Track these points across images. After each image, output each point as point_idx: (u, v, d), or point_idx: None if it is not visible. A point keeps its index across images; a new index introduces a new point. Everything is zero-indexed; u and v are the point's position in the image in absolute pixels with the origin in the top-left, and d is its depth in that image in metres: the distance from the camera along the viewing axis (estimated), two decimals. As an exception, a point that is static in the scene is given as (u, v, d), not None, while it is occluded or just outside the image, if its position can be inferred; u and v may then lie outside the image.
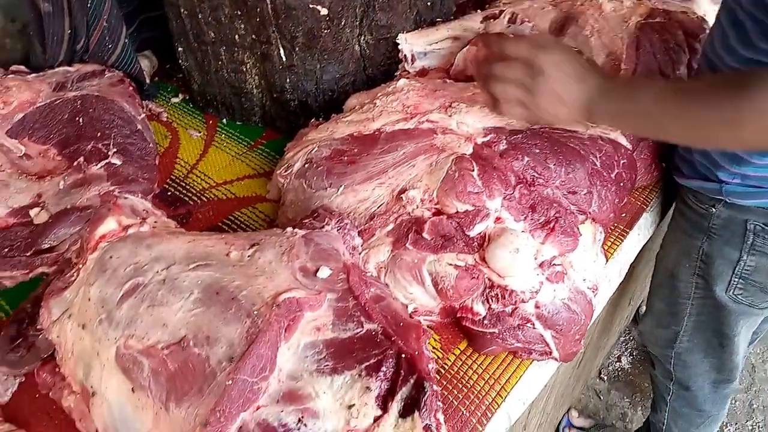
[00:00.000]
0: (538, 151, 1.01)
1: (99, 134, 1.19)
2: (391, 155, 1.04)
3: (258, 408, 0.71)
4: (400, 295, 0.95)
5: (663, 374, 1.59)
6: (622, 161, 1.11)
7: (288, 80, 1.27)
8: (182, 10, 1.22)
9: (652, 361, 1.64)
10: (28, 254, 1.07)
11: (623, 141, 1.13)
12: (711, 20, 1.31)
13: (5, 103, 1.21)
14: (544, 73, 0.92)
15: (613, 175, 1.08)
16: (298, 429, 0.69)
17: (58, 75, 1.27)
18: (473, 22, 1.33)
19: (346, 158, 1.07)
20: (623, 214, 1.19)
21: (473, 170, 0.95)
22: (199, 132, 1.37)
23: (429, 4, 1.35)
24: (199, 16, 1.20)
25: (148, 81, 1.43)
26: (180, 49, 1.32)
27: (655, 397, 1.73)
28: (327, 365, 0.75)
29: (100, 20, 1.25)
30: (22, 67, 1.30)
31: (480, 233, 0.93)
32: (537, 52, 0.93)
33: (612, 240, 1.16)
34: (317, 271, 0.85)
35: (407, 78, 1.19)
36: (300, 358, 0.75)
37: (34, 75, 1.27)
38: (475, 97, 1.09)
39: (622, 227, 1.18)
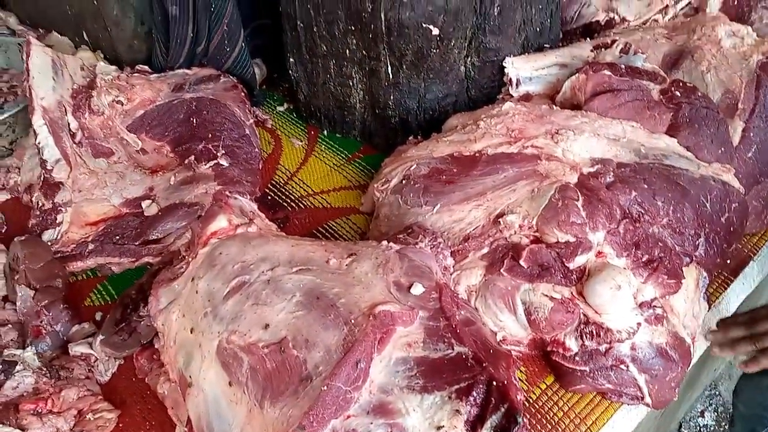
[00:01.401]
0: (646, 186, 0.98)
1: (210, 135, 1.26)
2: (491, 178, 1.04)
3: (348, 417, 0.71)
4: (490, 321, 0.94)
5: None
6: (733, 205, 1.05)
7: (392, 97, 1.29)
8: (299, 23, 1.27)
9: (733, 418, 1.54)
10: (137, 243, 1.14)
11: (735, 184, 1.08)
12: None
13: (129, 99, 1.30)
14: None
15: (723, 219, 1.04)
16: (387, 443, 0.70)
17: (177, 77, 1.35)
18: (583, 50, 1.31)
19: (444, 177, 1.07)
20: (729, 261, 1.13)
21: (578, 200, 0.94)
22: (301, 141, 1.42)
23: (538, 30, 1.34)
24: (314, 29, 1.25)
25: (257, 86, 1.49)
26: (291, 60, 1.37)
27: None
28: (418, 383, 0.75)
29: (221, 24, 1.32)
30: (146, 68, 1.40)
31: (580, 266, 0.90)
32: None
33: (715, 287, 1.10)
34: (410, 287, 0.85)
35: (512, 102, 1.18)
36: (391, 372, 0.76)
37: (155, 75, 1.36)
38: (582, 126, 1.07)
39: (726, 274, 1.12)
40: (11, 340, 1.02)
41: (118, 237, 1.15)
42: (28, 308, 1.03)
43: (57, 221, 1.15)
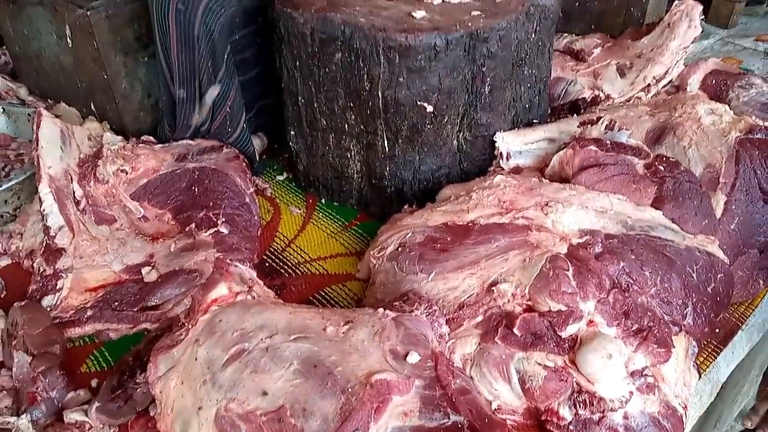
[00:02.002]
0: (633, 257, 1.02)
1: (211, 204, 1.29)
2: (484, 247, 1.07)
3: (345, 486, 0.72)
4: (485, 390, 0.95)
5: None
6: (719, 275, 1.09)
7: (388, 168, 1.34)
8: (300, 99, 1.33)
9: None
10: (136, 309, 1.15)
11: (720, 255, 1.12)
12: (815, 140, 1.30)
13: (133, 168, 1.34)
14: None
15: (709, 289, 1.07)
16: None
17: (181, 147, 1.40)
18: (570, 125, 1.38)
19: (438, 246, 1.11)
20: (717, 330, 1.15)
21: (568, 270, 0.97)
22: (299, 209, 1.46)
23: (527, 106, 1.42)
24: (315, 105, 1.31)
25: (257, 159, 1.55)
26: (292, 132, 1.42)
27: None
28: (414, 452, 0.76)
29: (225, 107, 1.38)
30: (151, 138, 1.45)
31: (572, 335, 0.93)
32: None
33: (705, 356, 1.12)
34: (407, 355, 0.87)
35: (503, 174, 1.23)
36: (388, 441, 0.77)
37: (160, 146, 1.41)
38: (571, 198, 1.12)
39: (715, 343, 1.14)
40: (5, 407, 1.01)
41: (117, 303, 1.16)
42: (24, 374, 1.03)
43: (57, 287, 1.17)
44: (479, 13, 1.22)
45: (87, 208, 1.27)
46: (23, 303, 1.13)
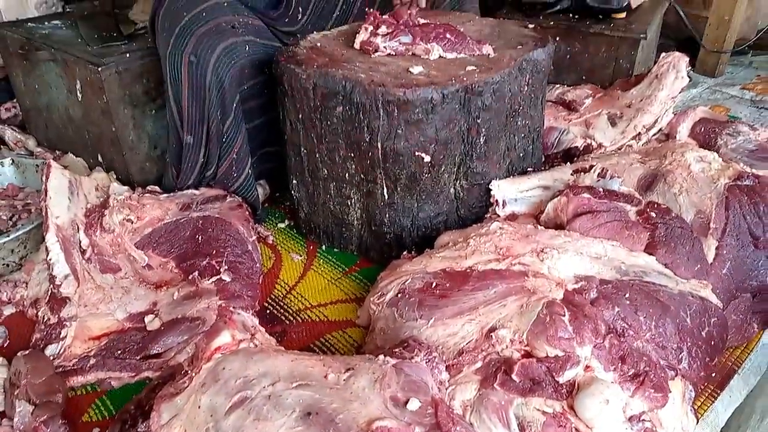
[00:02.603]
0: (628, 302, 1.04)
1: (214, 252, 1.32)
2: (482, 293, 1.10)
3: None
4: (485, 435, 0.96)
5: None
6: (712, 319, 1.11)
7: (387, 215, 1.37)
8: (302, 149, 1.37)
9: None
10: (138, 358, 1.17)
11: (713, 299, 1.14)
12: (802, 186, 1.34)
13: (139, 218, 1.37)
14: None
15: (703, 333, 1.08)
16: None
17: (186, 197, 1.44)
18: (563, 173, 1.42)
19: (438, 291, 1.13)
20: (714, 374, 1.16)
21: (564, 316, 0.99)
22: (300, 256, 1.48)
23: (521, 155, 1.46)
24: (317, 155, 1.35)
25: (260, 206, 1.58)
26: (294, 181, 1.46)
27: None
28: (415, 499, 0.76)
29: (231, 152, 1.43)
30: (157, 188, 1.49)
31: (569, 380, 0.94)
32: None
33: (702, 400, 1.12)
34: (407, 402, 0.88)
35: (499, 221, 1.27)
36: (389, 488, 0.77)
37: (165, 195, 1.45)
38: (566, 245, 1.14)
39: (713, 387, 1.15)
40: (7, 457, 1.01)
41: (119, 351, 1.18)
42: (26, 424, 1.04)
43: (61, 336, 1.18)
44: (474, 68, 1.28)
45: (92, 257, 1.30)
46: (26, 352, 1.14)
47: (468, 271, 1.14)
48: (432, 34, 1.34)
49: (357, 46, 1.38)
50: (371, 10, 1.62)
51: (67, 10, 1.84)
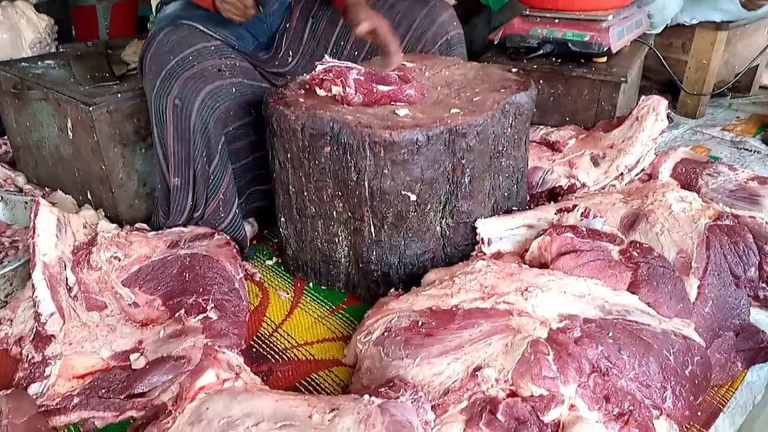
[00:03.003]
0: (611, 341, 1.05)
1: (201, 289, 1.32)
2: (467, 331, 1.10)
3: None
4: (471, 476, 0.95)
5: None
6: (696, 358, 1.12)
7: (374, 253, 1.38)
8: (291, 188, 1.39)
9: None
10: (122, 397, 1.15)
11: (696, 338, 1.15)
12: (780, 226, 1.37)
13: (126, 255, 1.38)
14: None
15: (687, 372, 1.09)
16: None
17: (174, 234, 1.45)
18: (548, 212, 1.44)
19: (423, 330, 1.13)
20: (699, 413, 1.17)
21: (548, 354, 0.99)
22: (288, 293, 1.49)
23: (506, 194, 1.49)
24: (305, 194, 1.37)
25: (248, 244, 1.59)
26: (282, 219, 1.48)
27: None
28: None
29: (218, 193, 1.44)
30: (145, 226, 1.49)
31: (554, 419, 0.94)
32: None
33: (688, 439, 1.13)
34: (392, 442, 0.88)
35: (485, 260, 1.28)
36: None
37: (153, 233, 1.45)
38: (550, 284, 1.16)
39: (698, 427, 1.15)
40: (-15, 500, 0.99)
41: (103, 390, 1.16)
42: (6, 466, 1.02)
43: (45, 374, 1.17)
44: (458, 110, 1.31)
45: (79, 294, 1.30)
46: (9, 391, 1.13)
47: (454, 309, 1.14)
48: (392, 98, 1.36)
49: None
50: (359, 53, 1.68)
51: (61, 50, 1.88)
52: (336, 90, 1.35)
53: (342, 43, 1.70)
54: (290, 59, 1.70)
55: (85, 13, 2.68)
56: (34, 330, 1.23)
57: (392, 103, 1.35)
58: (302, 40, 1.71)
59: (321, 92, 1.38)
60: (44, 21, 2.06)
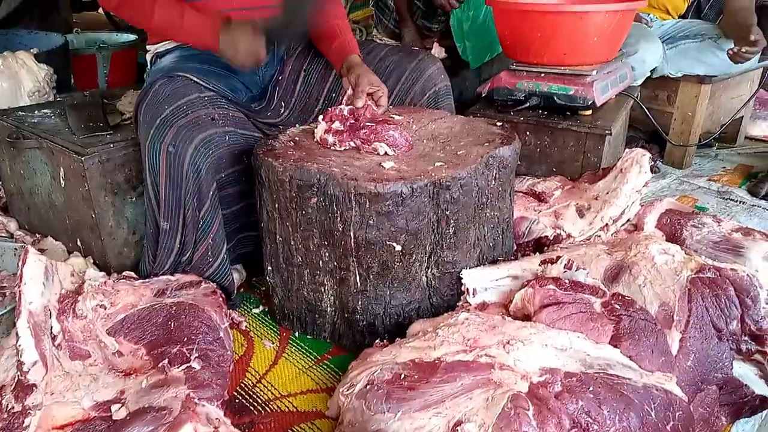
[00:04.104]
0: (592, 396, 1.05)
1: (186, 339, 1.32)
2: (449, 385, 1.10)
3: None
4: None
5: None
6: (677, 413, 1.11)
7: (360, 303, 1.39)
8: (278, 237, 1.41)
9: None
10: (101, 449, 1.14)
11: (678, 392, 1.15)
12: (763, 278, 1.38)
13: (112, 304, 1.38)
14: None
15: (668, 427, 1.09)
16: None
17: (161, 282, 1.45)
18: (532, 263, 1.46)
19: (406, 383, 1.13)
20: (685, 469, 1.16)
21: (529, 410, 0.99)
22: (273, 343, 1.48)
23: (492, 245, 1.50)
24: (292, 243, 1.39)
25: (235, 291, 1.60)
26: (269, 267, 1.49)
27: None
28: None
29: (207, 238, 1.46)
30: (132, 274, 1.50)
31: (533, 477, 0.93)
32: None
33: (674, 497, 1.11)
34: (370, 499, 0.87)
35: (468, 311, 1.29)
36: None
37: (140, 281, 1.46)
38: (532, 337, 1.16)
39: (684, 483, 1.14)
40: None
41: (82, 442, 1.15)
42: None
43: (24, 425, 1.16)
44: (442, 163, 1.34)
45: (63, 343, 1.29)
46: (-14, 443, 1.12)
47: (436, 362, 1.15)
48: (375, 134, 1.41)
49: (317, 139, 1.44)
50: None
51: (58, 99, 1.92)
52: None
53: (333, 95, 1.75)
54: (282, 110, 1.74)
55: (85, 62, 2.75)
56: (16, 379, 1.22)
57: (376, 141, 1.39)
58: (294, 92, 1.75)
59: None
60: (43, 70, 2.11)
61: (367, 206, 1.27)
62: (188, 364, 1.27)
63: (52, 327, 1.30)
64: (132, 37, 3.10)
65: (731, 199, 2.29)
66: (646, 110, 2.25)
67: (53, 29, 2.76)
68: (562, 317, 1.23)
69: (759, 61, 2.46)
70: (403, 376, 1.14)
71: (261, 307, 1.62)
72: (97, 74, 2.79)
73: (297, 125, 1.59)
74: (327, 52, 1.69)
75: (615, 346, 1.19)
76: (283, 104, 1.75)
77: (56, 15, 3.42)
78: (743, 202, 2.26)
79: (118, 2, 1.49)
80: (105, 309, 1.37)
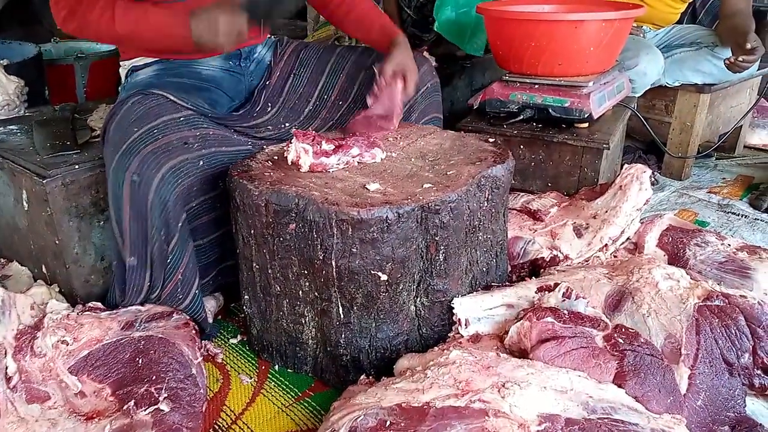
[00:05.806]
0: (596, 447, 0.95)
1: (154, 377, 1.22)
2: (439, 434, 1.00)
3: None
4: None
5: None
6: (689, 460, 1.02)
7: (343, 336, 1.29)
8: (254, 264, 1.31)
9: None
10: (57, 505, 1.04)
11: (689, 435, 1.06)
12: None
13: (75, 339, 1.27)
14: None
15: (681, 478, 0.99)
16: None
17: (129, 314, 1.35)
18: (528, 290, 1.36)
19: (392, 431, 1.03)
20: None
21: (526, 466, 0.90)
22: (251, 378, 1.38)
23: (485, 269, 1.41)
24: (269, 271, 1.29)
25: (211, 321, 1.49)
26: (246, 296, 1.39)
27: None
28: None
29: (176, 274, 1.35)
30: (99, 304, 1.40)
31: None
32: None
33: None
34: None
35: (460, 348, 1.19)
36: None
37: (107, 313, 1.35)
38: (529, 378, 1.07)
39: None
40: None
41: (37, 497, 1.05)
42: None
43: (-29, 480, 1.06)
44: (431, 185, 1.24)
45: (19, 385, 1.19)
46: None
47: (425, 407, 1.04)
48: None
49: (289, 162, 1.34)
50: (343, 103, 1.63)
51: (27, 114, 1.81)
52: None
53: (325, 97, 1.68)
54: (269, 109, 1.67)
55: (62, 72, 2.63)
56: (-35, 427, 1.12)
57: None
58: (282, 94, 1.69)
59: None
60: (14, 83, 1.99)
61: (350, 233, 1.17)
62: (156, 406, 1.17)
63: (7, 367, 1.19)
64: (112, 46, 2.98)
65: (733, 213, 2.21)
66: (645, 123, 2.16)
67: (34, 39, 2.65)
68: (561, 354, 1.13)
69: (758, 69, 2.39)
70: (388, 423, 1.04)
71: (239, 337, 1.51)
72: (75, 85, 2.67)
73: (273, 146, 1.48)
74: (367, 34, 1.68)
75: (619, 386, 1.10)
76: (269, 104, 1.67)
77: (38, 25, 3.31)
78: (745, 216, 2.18)
79: (77, 24, 1.36)
80: (67, 345, 1.26)
